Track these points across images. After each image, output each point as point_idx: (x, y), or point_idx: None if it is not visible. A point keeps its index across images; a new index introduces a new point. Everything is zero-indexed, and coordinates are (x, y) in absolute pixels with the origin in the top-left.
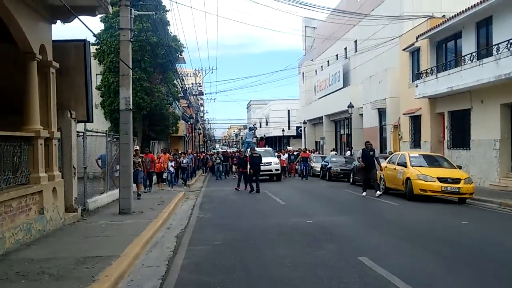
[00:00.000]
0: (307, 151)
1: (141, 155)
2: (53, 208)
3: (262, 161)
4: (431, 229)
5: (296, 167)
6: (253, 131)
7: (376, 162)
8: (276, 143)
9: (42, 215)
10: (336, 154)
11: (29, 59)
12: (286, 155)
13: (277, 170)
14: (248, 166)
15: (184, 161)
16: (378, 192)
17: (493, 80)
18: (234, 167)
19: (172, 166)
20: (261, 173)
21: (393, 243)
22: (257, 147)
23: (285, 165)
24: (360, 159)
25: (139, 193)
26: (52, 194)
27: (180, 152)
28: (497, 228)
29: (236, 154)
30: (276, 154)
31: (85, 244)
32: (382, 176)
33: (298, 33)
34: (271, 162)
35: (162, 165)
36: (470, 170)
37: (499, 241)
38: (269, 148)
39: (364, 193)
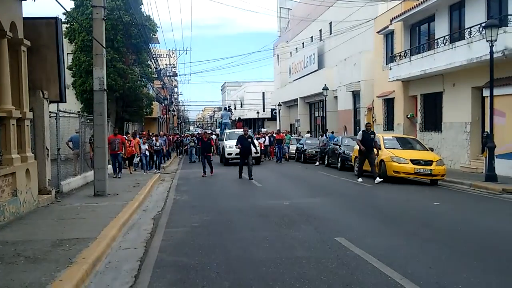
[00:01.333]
0: (281, 133)
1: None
2: (27, 190)
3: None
4: (405, 210)
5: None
6: (230, 112)
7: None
8: (251, 125)
9: (16, 197)
10: (311, 136)
11: None
12: (266, 138)
13: (256, 153)
14: (238, 149)
15: (157, 144)
16: (378, 179)
17: (465, 64)
18: None
19: (146, 149)
20: (238, 155)
21: (368, 224)
22: (234, 128)
23: (262, 148)
24: (360, 141)
25: (119, 176)
26: (25, 176)
27: (152, 134)
28: (468, 208)
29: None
30: (255, 136)
31: (60, 227)
32: (356, 158)
33: (273, 14)
34: None
35: (133, 149)
36: (441, 152)
37: (470, 221)
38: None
39: (360, 179)
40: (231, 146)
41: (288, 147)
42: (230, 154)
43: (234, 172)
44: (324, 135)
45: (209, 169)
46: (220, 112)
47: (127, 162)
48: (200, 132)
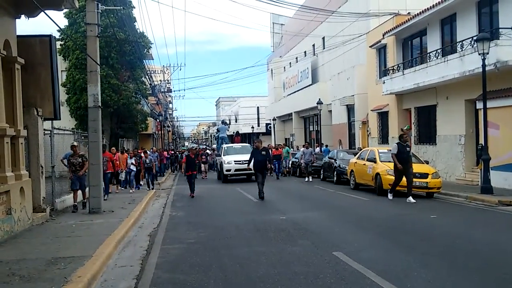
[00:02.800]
0: (279, 149)
1: (81, 153)
2: (21, 208)
3: (239, 160)
4: (402, 223)
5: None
6: (227, 125)
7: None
8: (246, 140)
9: (10, 215)
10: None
11: None
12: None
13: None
14: (237, 165)
15: (147, 160)
16: (411, 199)
17: (458, 77)
18: (202, 165)
19: (133, 163)
20: (239, 172)
21: (366, 238)
22: (232, 142)
23: None
24: (396, 156)
25: (75, 205)
26: (19, 194)
27: (141, 150)
28: (465, 221)
29: (184, 152)
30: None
31: (55, 245)
32: (352, 172)
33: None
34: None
35: (118, 163)
36: (436, 165)
37: (468, 234)
38: (247, 144)
39: (390, 196)
40: (229, 161)
41: (287, 161)
42: (229, 170)
43: (230, 188)
44: (320, 148)
45: (193, 189)
46: (216, 126)
47: (114, 180)
48: (193, 148)
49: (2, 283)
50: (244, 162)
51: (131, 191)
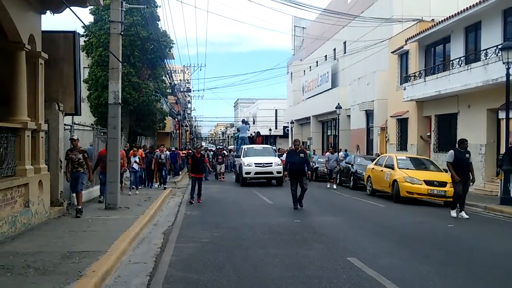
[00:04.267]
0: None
1: (82, 149)
2: (39, 201)
3: (260, 162)
4: (419, 231)
5: None
6: (248, 125)
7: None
8: (263, 142)
9: (28, 208)
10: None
11: (17, 49)
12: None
13: (278, 172)
14: (257, 167)
15: (162, 156)
16: (464, 214)
17: (481, 85)
18: (218, 166)
19: (136, 162)
20: (260, 175)
21: (381, 244)
22: (253, 143)
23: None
24: (452, 164)
25: (78, 208)
26: (38, 187)
27: (158, 145)
28: (484, 232)
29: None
30: (277, 153)
31: (71, 239)
32: (369, 178)
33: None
34: (271, 163)
35: (122, 161)
36: None
37: (485, 245)
38: (268, 146)
39: (453, 213)
40: (249, 164)
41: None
42: (249, 173)
43: (246, 190)
44: (331, 152)
45: (200, 193)
46: (233, 128)
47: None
48: (211, 148)
49: (18, 275)
50: (266, 165)
51: (136, 192)
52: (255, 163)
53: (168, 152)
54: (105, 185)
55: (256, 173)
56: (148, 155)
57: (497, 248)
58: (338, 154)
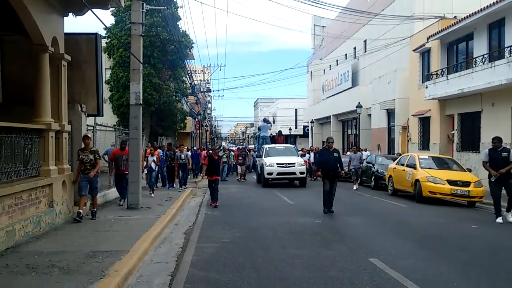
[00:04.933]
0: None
1: (93, 149)
2: (63, 201)
3: (283, 162)
4: (441, 232)
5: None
6: (269, 124)
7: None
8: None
9: (52, 208)
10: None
11: (41, 51)
12: (311, 154)
13: (301, 173)
14: (280, 168)
15: (182, 156)
16: (510, 217)
17: (505, 83)
18: (239, 167)
19: (154, 161)
20: (282, 176)
21: (403, 245)
22: (275, 143)
23: (308, 166)
24: (487, 163)
25: (94, 211)
26: (61, 187)
27: (179, 145)
28: (509, 233)
29: (219, 151)
30: (299, 152)
31: (94, 238)
32: (390, 177)
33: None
34: (294, 163)
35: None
36: (479, 173)
37: (510, 246)
38: (291, 145)
39: (499, 219)
40: (271, 164)
41: None
42: (271, 173)
43: (267, 190)
44: (354, 151)
45: (217, 197)
46: (253, 127)
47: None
48: (216, 148)
49: (42, 274)
50: (288, 165)
51: (152, 195)
52: (277, 163)
53: (189, 152)
54: (121, 186)
55: (278, 173)
56: (167, 153)
57: None
58: (362, 153)
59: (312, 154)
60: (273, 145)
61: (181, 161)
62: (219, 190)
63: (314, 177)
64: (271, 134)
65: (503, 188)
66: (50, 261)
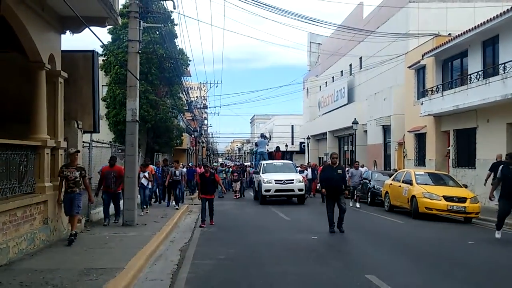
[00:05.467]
0: None
1: (79, 166)
2: (57, 218)
3: (281, 179)
4: (438, 248)
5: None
6: (267, 139)
7: None
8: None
9: (46, 225)
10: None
11: (38, 68)
12: (309, 170)
13: (300, 190)
14: (278, 184)
15: (177, 172)
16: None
17: (500, 99)
18: (234, 184)
19: (145, 177)
20: (280, 193)
21: (400, 261)
22: (273, 159)
23: (306, 183)
24: (498, 180)
25: (72, 233)
26: (56, 204)
27: (175, 161)
28: (506, 249)
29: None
30: (298, 168)
31: (88, 256)
32: (387, 193)
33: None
34: (293, 180)
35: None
36: (475, 189)
37: (507, 263)
38: (289, 161)
39: (498, 234)
40: (269, 181)
41: None
42: (269, 190)
43: (263, 206)
44: (355, 167)
45: (212, 214)
46: (249, 144)
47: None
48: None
49: None
50: (287, 181)
51: (146, 211)
52: (275, 180)
53: (184, 169)
54: (108, 206)
55: (276, 190)
56: (164, 169)
57: None
58: (362, 169)
59: (309, 170)
60: (271, 161)
61: (175, 177)
62: (214, 208)
63: (311, 194)
64: (267, 150)
65: None
66: (44, 278)
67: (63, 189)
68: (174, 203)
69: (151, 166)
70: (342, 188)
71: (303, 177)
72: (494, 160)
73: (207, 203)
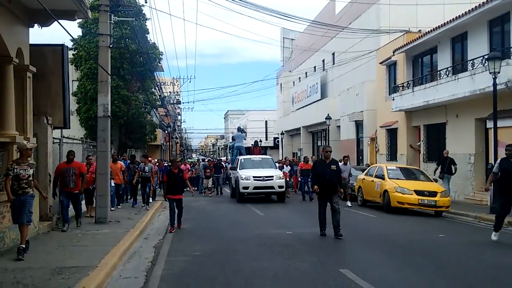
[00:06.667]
0: (309, 162)
1: (31, 162)
2: None
3: (260, 175)
4: (410, 242)
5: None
6: (244, 133)
7: None
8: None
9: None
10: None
11: (5, 62)
12: (288, 166)
13: (280, 187)
14: (256, 181)
15: (146, 168)
16: (494, 235)
17: (468, 95)
18: (205, 180)
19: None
20: (259, 190)
21: (373, 255)
22: (250, 154)
23: (288, 179)
24: (498, 174)
25: (22, 247)
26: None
27: (143, 157)
28: (475, 241)
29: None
30: (277, 164)
31: (60, 254)
32: (360, 188)
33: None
34: (272, 176)
35: (92, 176)
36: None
37: (477, 254)
38: (268, 156)
39: (495, 236)
40: (247, 177)
41: None
42: (247, 188)
43: (239, 207)
44: (344, 162)
45: (181, 216)
46: (223, 140)
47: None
48: (177, 159)
49: None
50: (266, 178)
51: (112, 209)
52: (253, 177)
53: (151, 165)
54: (67, 209)
55: (255, 187)
56: (130, 167)
57: (489, 258)
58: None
59: (289, 166)
60: (249, 156)
61: (144, 174)
62: (183, 209)
63: (293, 189)
64: (256, 141)
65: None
66: (15, 278)
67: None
68: (143, 203)
69: (120, 162)
70: (336, 186)
71: (285, 173)
72: (462, 155)
73: (174, 204)
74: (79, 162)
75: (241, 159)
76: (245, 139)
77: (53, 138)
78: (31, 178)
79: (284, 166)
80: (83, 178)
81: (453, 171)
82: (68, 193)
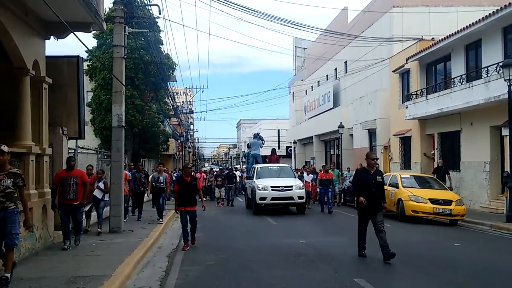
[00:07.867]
0: (329, 171)
1: (13, 171)
2: (43, 226)
3: (278, 185)
4: (425, 250)
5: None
6: (261, 140)
7: None
8: (266, 162)
9: (32, 233)
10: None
11: (22, 74)
12: (311, 175)
13: (300, 197)
14: (275, 191)
15: (161, 178)
16: None
17: (483, 103)
18: (217, 190)
19: (99, 187)
20: (277, 201)
21: (388, 264)
22: (267, 162)
23: (309, 189)
24: None
25: (4, 277)
26: (41, 212)
27: (158, 165)
28: (491, 250)
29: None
30: (296, 173)
31: (75, 263)
32: None
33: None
34: (291, 186)
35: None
36: (460, 192)
37: (493, 263)
38: (286, 165)
39: None
40: (265, 187)
41: (336, 188)
42: (264, 198)
43: (250, 212)
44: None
45: (194, 231)
46: (236, 149)
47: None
48: (188, 166)
49: None
50: (285, 188)
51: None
52: (271, 187)
53: (166, 174)
54: (68, 224)
55: (273, 198)
56: (136, 176)
57: (505, 267)
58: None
59: (311, 175)
60: (266, 164)
61: (158, 184)
62: (197, 221)
63: (311, 200)
64: (273, 148)
65: None
66: (30, 287)
67: None
68: (158, 215)
69: (125, 171)
70: (381, 202)
71: (307, 182)
72: (477, 163)
73: (188, 217)
74: (81, 170)
75: (257, 168)
76: (261, 147)
77: (68, 148)
78: (10, 190)
79: (305, 174)
80: (85, 189)
81: (447, 180)
82: (67, 207)
